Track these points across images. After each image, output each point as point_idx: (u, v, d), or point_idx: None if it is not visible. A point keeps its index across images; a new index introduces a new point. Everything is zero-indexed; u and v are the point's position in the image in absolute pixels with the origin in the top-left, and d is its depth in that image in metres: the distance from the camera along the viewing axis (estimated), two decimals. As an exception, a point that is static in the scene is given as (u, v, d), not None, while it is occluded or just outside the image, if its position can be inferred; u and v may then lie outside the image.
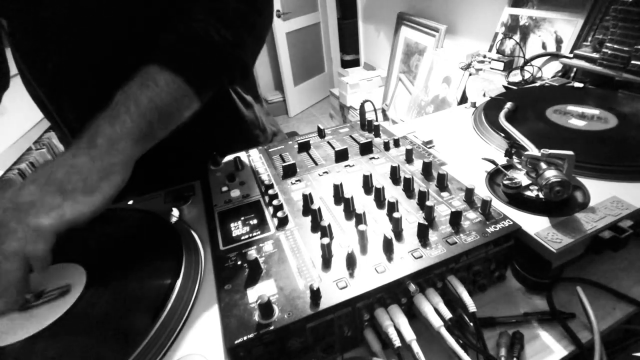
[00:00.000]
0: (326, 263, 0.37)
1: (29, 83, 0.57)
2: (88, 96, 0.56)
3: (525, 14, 1.32)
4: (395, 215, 0.40)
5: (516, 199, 0.45)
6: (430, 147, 0.60)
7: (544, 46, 1.25)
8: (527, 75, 1.13)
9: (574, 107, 0.66)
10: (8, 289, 0.33)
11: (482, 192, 0.47)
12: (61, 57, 0.52)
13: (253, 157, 0.59)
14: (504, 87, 1.16)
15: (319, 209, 0.43)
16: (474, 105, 0.74)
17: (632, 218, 0.41)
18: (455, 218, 0.40)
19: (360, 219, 0.41)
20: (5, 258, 0.33)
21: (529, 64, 1.18)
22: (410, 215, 0.42)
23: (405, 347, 0.34)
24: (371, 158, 0.55)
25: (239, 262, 0.39)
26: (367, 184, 0.48)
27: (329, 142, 0.61)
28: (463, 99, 1.51)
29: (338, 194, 0.47)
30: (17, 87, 0.61)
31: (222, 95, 0.65)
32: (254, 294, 0.35)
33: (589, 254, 0.41)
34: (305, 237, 0.41)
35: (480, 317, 0.39)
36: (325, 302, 0.33)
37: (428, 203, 0.41)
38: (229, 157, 0.59)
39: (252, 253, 0.39)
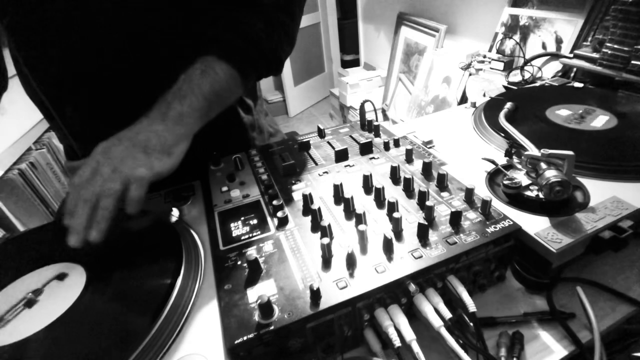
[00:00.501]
0: (326, 263, 0.37)
1: (28, 84, 0.57)
2: (89, 99, 0.56)
3: (525, 14, 1.32)
4: (395, 215, 0.40)
5: (516, 199, 0.45)
6: (430, 147, 0.60)
7: (544, 46, 1.25)
8: (527, 75, 1.13)
9: (574, 107, 0.66)
10: (102, 222, 0.38)
11: (482, 192, 0.47)
12: (63, 59, 0.52)
13: (253, 157, 0.59)
14: (504, 87, 1.16)
15: (319, 209, 0.43)
16: (474, 105, 0.74)
17: (632, 218, 0.41)
18: (455, 218, 0.40)
19: (360, 219, 0.41)
20: (104, 195, 0.39)
21: (529, 64, 1.18)
22: (410, 215, 0.42)
23: (405, 347, 0.34)
24: (371, 158, 0.55)
25: (239, 262, 0.39)
26: (367, 184, 0.48)
27: (329, 142, 0.61)
28: (463, 99, 1.51)
29: (338, 194, 0.47)
30: (16, 87, 0.61)
31: None
32: (254, 294, 0.35)
33: (589, 254, 0.41)
34: (305, 237, 0.41)
35: (480, 317, 0.39)
36: (325, 302, 0.33)
37: (428, 203, 0.41)
38: (229, 157, 0.59)
39: (252, 253, 0.39)
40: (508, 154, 0.52)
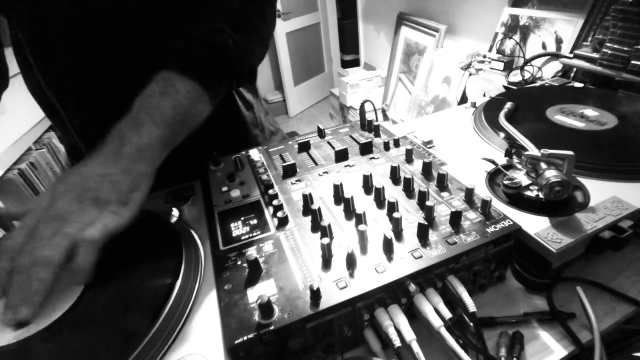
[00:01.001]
0: (326, 263, 0.37)
1: (34, 81, 0.57)
2: (94, 97, 0.56)
3: (525, 14, 1.32)
4: (395, 215, 0.40)
5: (516, 199, 0.45)
6: (430, 147, 0.60)
7: (544, 46, 1.25)
8: (527, 75, 1.13)
9: (574, 107, 0.66)
10: (33, 297, 0.31)
11: (482, 192, 0.47)
12: (68, 57, 0.52)
13: (253, 157, 0.59)
14: (504, 87, 1.16)
15: (319, 209, 0.43)
16: (474, 105, 0.74)
17: (632, 218, 0.41)
18: (455, 218, 0.40)
19: (360, 219, 0.41)
20: (40, 264, 0.31)
21: (529, 64, 1.18)
22: (410, 215, 0.42)
23: (405, 347, 0.34)
24: (371, 158, 0.55)
25: (239, 262, 0.39)
26: (367, 184, 0.48)
27: (329, 142, 0.61)
28: (463, 99, 1.51)
29: (338, 194, 0.47)
30: (17, 87, 0.61)
31: (226, 97, 0.65)
32: (254, 294, 0.35)
33: (589, 254, 0.41)
34: (305, 237, 0.41)
35: (480, 317, 0.39)
36: (325, 302, 0.33)
37: (428, 203, 0.41)
38: (229, 157, 0.59)
39: (252, 253, 0.39)
40: (508, 154, 0.52)
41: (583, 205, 0.43)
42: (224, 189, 0.52)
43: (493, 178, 0.50)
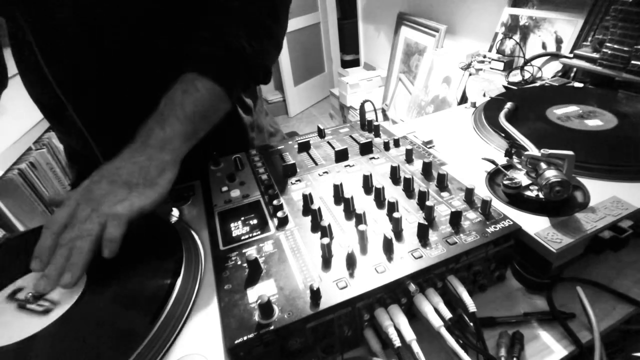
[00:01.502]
0: (326, 263, 0.37)
1: (33, 82, 0.57)
2: (105, 91, 0.56)
3: (525, 14, 1.32)
4: (395, 215, 0.40)
5: (516, 199, 0.45)
6: (430, 147, 0.60)
7: (544, 46, 1.26)
8: (527, 75, 1.13)
9: (574, 107, 0.66)
10: (76, 265, 0.36)
11: (482, 192, 0.47)
12: (78, 56, 0.53)
13: (253, 157, 0.59)
14: (504, 87, 1.16)
15: (319, 209, 0.43)
16: (474, 105, 0.74)
17: (632, 218, 0.41)
18: (455, 218, 0.40)
19: (360, 219, 0.41)
20: (81, 237, 0.36)
21: (529, 64, 1.18)
22: (410, 215, 0.42)
23: (405, 347, 0.34)
24: (371, 158, 0.55)
25: (239, 262, 0.39)
26: (367, 184, 0.48)
27: (329, 142, 0.61)
28: (463, 99, 1.51)
29: (338, 194, 0.47)
30: (17, 87, 0.61)
31: None
32: (254, 294, 0.35)
33: (589, 254, 0.41)
34: (305, 237, 0.41)
35: (480, 317, 0.38)
36: (325, 302, 0.33)
37: (428, 203, 0.41)
38: (229, 157, 0.59)
39: (252, 253, 0.39)
40: (508, 154, 0.52)
41: (583, 205, 0.43)
42: (224, 189, 0.52)
43: (493, 178, 0.50)
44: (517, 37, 1.34)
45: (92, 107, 0.58)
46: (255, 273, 0.37)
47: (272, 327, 0.32)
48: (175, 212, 0.49)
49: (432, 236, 0.39)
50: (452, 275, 0.39)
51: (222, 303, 0.35)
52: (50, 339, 0.34)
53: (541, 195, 0.43)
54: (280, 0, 0.55)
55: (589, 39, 1.09)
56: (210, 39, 0.49)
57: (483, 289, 0.43)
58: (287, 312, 0.33)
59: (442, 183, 0.47)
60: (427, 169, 0.50)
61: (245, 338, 0.31)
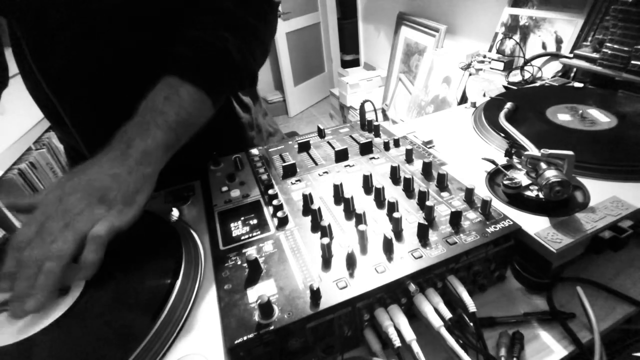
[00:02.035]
0: (326, 263, 0.37)
1: (34, 80, 0.57)
2: (93, 94, 0.56)
3: (525, 14, 1.32)
4: (395, 215, 0.40)
5: (516, 199, 0.45)
6: (430, 147, 0.60)
7: (544, 46, 1.26)
8: (527, 75, 1.13)
9: (573, 107, 0.66)
10: (44, 288, 0.32)
11: (482, 192, 0.47)
12: (67, 55, 0.53)
13: (253, 157, 0.59)
14: (504, 87, 1.16)
15: (319, 209, 0.43)
16: (474, 105, 0.74)
17: (632, 218, 0.41)
18: (455, 218, 0.40)
19: (360, 219, 0.41)
20: (51, 258, 0.33)
21: (529, 64, 1.18)
22: (410, 215, 0.42)
23: (405, 347, 0.34)
24: (371, 158, 0.55)
25: (239, 262, 0.39)
26: (367, 184, 0.48)
27: (329, 142, 0.61)
28: (463, 99, 1.52)
29: (338, 194, 0.47)
30: (17, 87, 0.61)
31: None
32: (254, 294, 0.35)
33: (589, 254, 0.41)
34: (305, 237, 0.41)
35: (480, 317, 0.39)
36: (325, 302, 0.33)
37: (428, 203, 0.41)
38: (229, 157, 0.59)
39: (252, 253, 0.39)
40: (508, 154, 0.52)
41: (583, 205, 0.43)
42: (224, 189, 0.52)
43: (493, 178, 0.50)
44: (517, 37, 1.34)
45: (82, 110, 0.58)
46: (255, 273, 0.37)
47: (272, 327, 0.32)
48: (175, 212, 0.49)
49: (432, 236, 0.39)
50: (452, 275, 0.39)
51: (222, 303, 0.35)
52: (50, 339, 0.34)
53: (541, 195, 0.43)
54: (269, 4, 0.54)
55: (589, 39, 1.09)
56: (196, 40, 0.47)
57: (483, 289, 0.43)
58: (287, 312, 0.33)
59: (442, 183, 0.47)
60: (427, 169, 0.50)
61: (245, 338, 0.31)
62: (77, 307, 0.36)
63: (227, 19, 0.49)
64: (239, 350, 0.31)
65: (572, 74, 0.95)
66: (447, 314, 0.35)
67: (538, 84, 1.04)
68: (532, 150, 0.47)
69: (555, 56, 1.17)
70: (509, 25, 1.38)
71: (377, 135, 0.62)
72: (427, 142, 0.60)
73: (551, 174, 0.41)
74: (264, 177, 0.53)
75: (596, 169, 0.48)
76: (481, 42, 1.60)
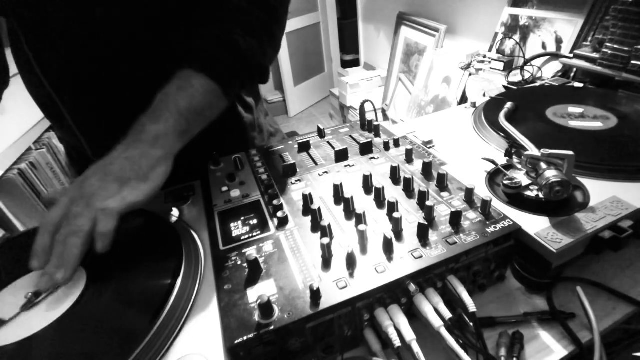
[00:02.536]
0: (326, 263, 0.37)
1: (33, 83, 0.57)
2: (93, 90, 0.56)
3: (525, 14, 1.32)
4: (395, 215, 0.40)
5: (516, 199, 0.45)
6: (430, 147, 0.60)
7: (544, 46, 1.25)
8: (527, 75, 1.13)
9: (574, 107, 0.66)
10: (68, 261, 0.36)
11: (482, 192, 0.47)
12: (67, 50, 0.53)
13: (253, 157, 0.59)
14: (504, 87, 1.16)
15: (319, 209, 0.43)
16: (474, 105, 0.74)
17: (632, 218, 0.41)
18: (455, 218, 0.40)
19: (360, 219, 0.41)
20: (73, 233, 0.36)
21: (529, 64, 1.18)
22: (410, 215, 0.42)
23: (405, 347, 0.34)
24: (371, 158, 0.55)
25: (239, 262, 0.39)
26: (367, 184, 0.48)
27: (329, 142, 0.61)
28: (463, 99, 1.51)
29: (338, 194, 0.47)
30: (17, 87, 0.61)
31: None
32: (254, 294, 0.35)
33: (589, 254, 0.41)
34: (305, 237, 0.41)
35: (480, 317, 0.39)
36: (325, 302, 0.33)
37: (428, 203, 0.41)
38: (229, 157, 0.59)
39: (252, 253, 0.39)
40: (508, 154, 0.52)
41: (583, 205, 0.43)
42: (224, 189, 0.52)
43: (493, 178, 0.50)
44: (517, 37, 1.34)
45: (84, 108, 0.58)
46: (255, 273, 0.37)
47: (272, 327, 0.32)
48: (175, 212, 0.49)
49: (432, 236, 0.39)
50: (452, 275, 0.39)
51: (222, 303, 0.35)
52: (50, 338, 0.34)
53: (541, 195, 0.43)
54: (280, 2, 0.55)
55: (589, 39, 1.09)
56: (210, 35, 0.49)
57: (483, 289, 0.43)
58: (287, 312, 0.33)
59: (442, 183, 0.47)
60: (427, 169, 0.50)
61: (245, 338, 0.31)
62: (78, 307, 0.36)
63: (240, 16, 0.51)
64: (239, 350, 0.31)
65: (572, 74, 0.95)
66: (447, 314, 0.35)
67: (538, 84, 1.04)
68: (532, 150, 0.47)
69: (555, 56, 1.17)
70: (509, 25, 1.38)
71: (377, 135, 0.62)
72: (427, 142, 0.60)
73: (551, 174, 0.41)
74: (264, 177, 0.53)
75: (596, 169, 0.48)
76: (481, 42, 1.60)
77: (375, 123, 0.63)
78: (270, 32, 0.54)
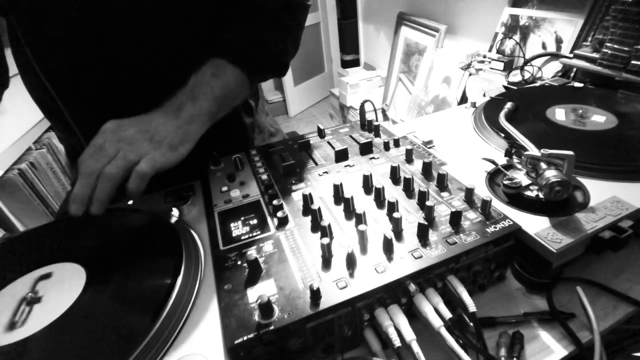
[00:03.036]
0: (326, 263, 0.37)
1: (35, 79, 0.57)
2: (94, 88, 0.56)
3: (525, 14, 1.32)
4: (395, 215, 0.40)
5: (516, 199, 0.45)
6: (430, 147, 0.60)
7: (544, 46, 1.25)
8: (527, 75, 1.13)
9: (574, 107, 0.66)
10: (100, 200, 0.41)
11: (482, 192, 0.47)
12: (69, 55, 0.53)
13: (253, 157, 0.59)
14: (504, 87, 1.16)
15: (319, 209, 0.43)
16: (474, 105, 0.74)
17: (632, 218, 0.41)
18: (455, 218, 0.40)
19: (360, 219, 0.41)
20: (107, 179, 0.41)
21: (529, 64, 1.18)
22: (410, 215, 0.42)
23: (405, 347, 0.34)
24: (371, 158, 0.55)
25: (239, 262, 0.39)
26: (367, 184, 0.48)
27: (329, 142, 0.61)
28: (463, 99, 1.51)
29: (338, 194, 0.47)
30: (17, 87, 0.61)
31: None
32: (254, 294, 0.35)
33: (589, 254, 0.41)
34: (305, 237, 0.41)
35: (480, 317, 0.39)
36: (325, 302, 0.33)
37: (428, 203, 0.41)
38: (229, 157, 0.59)
39: (252, 253, 0.39)
40: (508, 154, 0.52)
41: (583, 205, 0.43)
42: (224, 189, 0.52)
43: (493, 178, 0.50)
44: (517, 37, 1.34)
45: (85, 107, 0.58)
46: (255, 273, 0.37)
47: (272, 327, 0.32)
48: (175, 212, 0.49)
49: (432, 236, 0.39)
50: (452, 275, 0.39)
51: (222, 303, 0.35)
52: (50, 338, 0.34)
53: (541, 195, 0.43)
54: (302, 7, 0.61)
55: (589, 39, 1.09)
56: (243, 30, 0.54)
57: (483, 289, 0.43)
58: (287, 312, 0.33)
59: (442, 183, 0.47)
60: (427, 169, 0.50)
61: (245, 338, 0.31)
62: (78, 307, 0.36)
63: (269, 18, 0.56)
64: (239, 350, 0.31)
65: (572, 74, 0.94)
66: (447, 314, 0.35)
67: (538, 84, 1.04)
68: (532, 150, 0.47)
69: (555, 56, 1.17)
70: (509, 25, 1.38)
71: (377, 135, 0.62)
72: (427, 142, 0.60)
73: (551, 174, 0.41)
74: (264, 177, 0.53)
75: (596, 169, 0.48)
76: (481, 42, 1.60)
77: (375, 123, 0.63)
78: (293, 33, 0.61)
